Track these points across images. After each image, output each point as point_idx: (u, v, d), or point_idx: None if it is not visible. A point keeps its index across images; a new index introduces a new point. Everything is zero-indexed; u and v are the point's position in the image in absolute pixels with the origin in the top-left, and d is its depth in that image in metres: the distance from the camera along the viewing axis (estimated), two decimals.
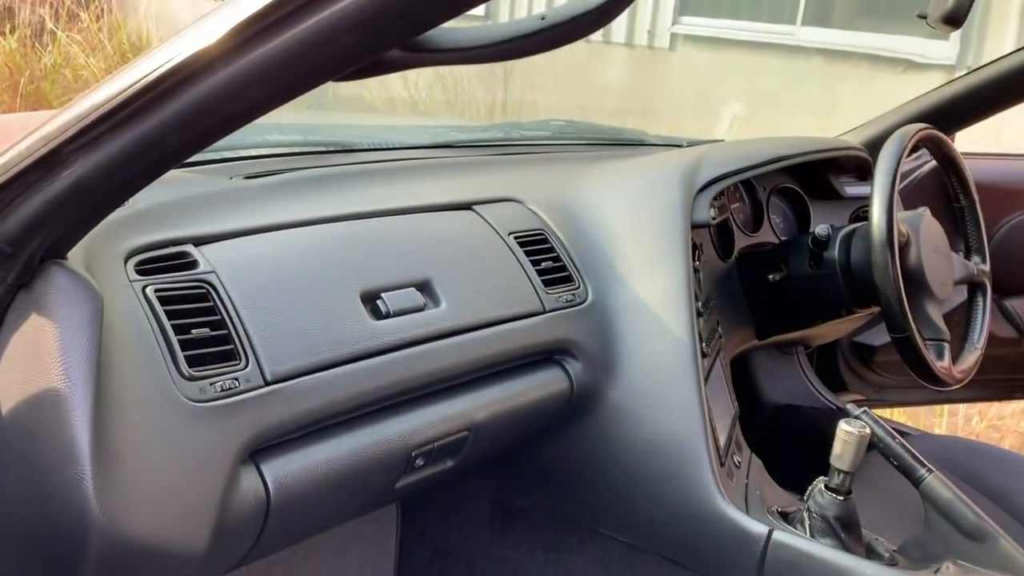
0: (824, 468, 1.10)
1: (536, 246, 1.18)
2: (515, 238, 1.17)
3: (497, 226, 1.17)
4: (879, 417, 1.17)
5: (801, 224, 1.66)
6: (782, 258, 1.42)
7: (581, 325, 1.16)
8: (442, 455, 1.02)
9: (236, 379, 0.82)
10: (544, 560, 1.28)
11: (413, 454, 0.97)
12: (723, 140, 1.69)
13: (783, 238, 1.58)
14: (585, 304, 1.18)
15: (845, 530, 1.11)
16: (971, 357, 1.39)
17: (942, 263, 1.36)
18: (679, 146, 1.69)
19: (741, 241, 1.50)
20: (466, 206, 1.19)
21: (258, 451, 0.84)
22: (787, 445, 1.60)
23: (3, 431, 0.74)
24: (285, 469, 0.86)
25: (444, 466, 1.05)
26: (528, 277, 1.15)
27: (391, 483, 0.99)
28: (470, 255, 1.12)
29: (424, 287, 1.03)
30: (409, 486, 1.03)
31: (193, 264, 0.88)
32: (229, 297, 0.87)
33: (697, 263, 1.25)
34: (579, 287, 1.19)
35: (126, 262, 0.84)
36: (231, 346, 0.84)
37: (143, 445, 0.74)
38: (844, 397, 1.86)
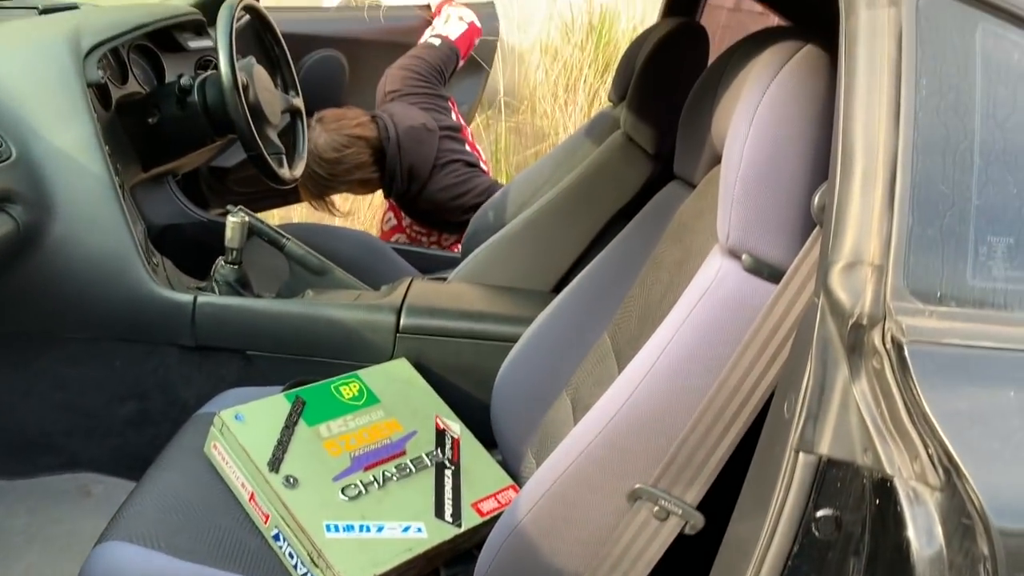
0: (209, 268, 1.62)
1: None
2: None
3: None
4: None
5: (158, 73, 2.04)
6: (155, 104, 1.80)
7: (13, 176, 1.43)
8: None
9: None
10: (14, 373, 1.56)
11: None
12: (80, 5, 1.92)
13: (147, 88, 1.95)
14: (12, 159, 1.43)
15: (243, 288, 1.66)
16: (300, 163, 1.99)
17: (272, 98, 1.90)
18: (35, 8, 1.88)
19: (115, 93, 1.82)
20: None
21: None
22: (178, 255, 2.04)
23: None
24: None
25: None
26: None
27: None
28: None
29: None
30: None
31: None
32: None
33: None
34: (2, 145, 1.43)
35: None
36: None
37: None
38: (210, 212, 2.36)
